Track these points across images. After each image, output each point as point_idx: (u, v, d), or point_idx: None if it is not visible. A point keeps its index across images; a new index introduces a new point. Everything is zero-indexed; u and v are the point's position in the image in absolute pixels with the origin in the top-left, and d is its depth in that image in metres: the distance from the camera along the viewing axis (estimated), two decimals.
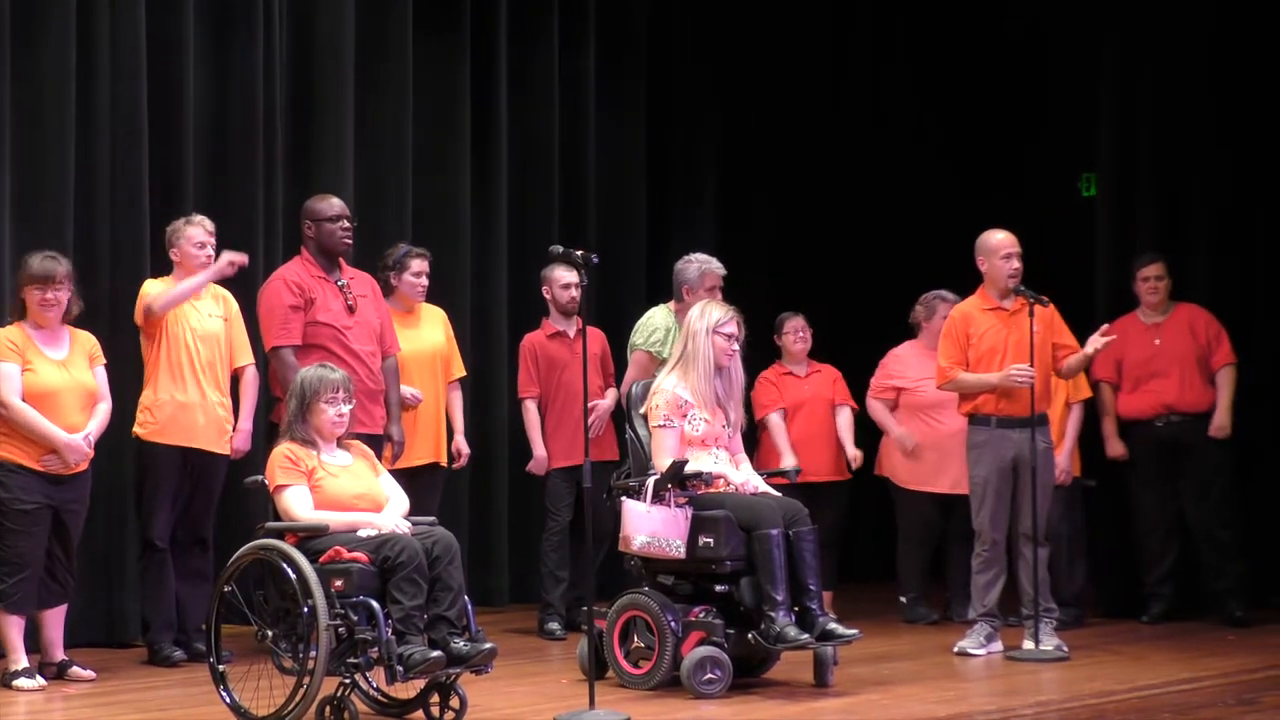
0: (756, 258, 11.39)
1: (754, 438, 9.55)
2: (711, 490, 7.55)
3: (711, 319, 7.71)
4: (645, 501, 7.45)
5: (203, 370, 8.05)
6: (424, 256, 8.92)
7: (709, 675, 7.21)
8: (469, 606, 6.61)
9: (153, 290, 8.05)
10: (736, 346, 7.75)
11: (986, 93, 12.29)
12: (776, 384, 9.68)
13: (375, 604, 6.41)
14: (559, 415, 9.19)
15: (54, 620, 7.69)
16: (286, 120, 9.38)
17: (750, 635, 7.33)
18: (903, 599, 9.89)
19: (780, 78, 11.82)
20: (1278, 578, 10.09)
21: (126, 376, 8.17)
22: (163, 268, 8.29)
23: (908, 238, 11.86)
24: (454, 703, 6.59)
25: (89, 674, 7.67)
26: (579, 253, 7.12)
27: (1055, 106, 11.81)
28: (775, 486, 7.91)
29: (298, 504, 6.65)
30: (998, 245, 8.57)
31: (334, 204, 8.31)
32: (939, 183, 12.18)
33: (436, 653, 6.38)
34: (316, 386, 6.81)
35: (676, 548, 7.38)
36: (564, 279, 9.20)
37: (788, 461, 9.29)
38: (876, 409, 9.90)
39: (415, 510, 7.05)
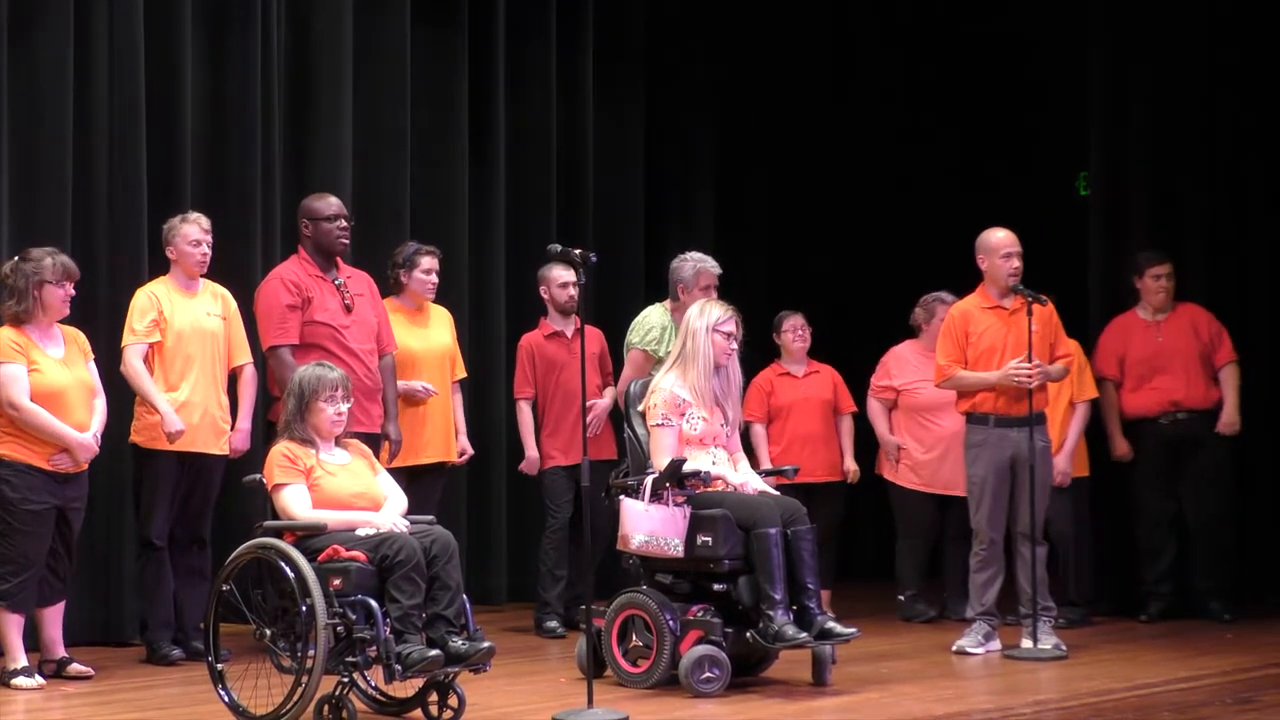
0: (754, 256, 11.40)
1: (748, 439, 9.56)
2: (710, 490, 7.55)
3: (711, 317, 7.71)
4: (644, 500, 7.45)
5: (201, 370, 8.04)
6: (434, 254, 8.92)
7: (707, 674, 7.21)
8: (467, 605, 6.61)
9: (140, 302, 7.99)
10: (735, 345, 7.75)
11: (986, 92, 12.29)
12: (769, 389, 9.65)
13: (373, 603, 6.41)
14: (558, 415, 9.19)
15: (54, 618, 7.68)
16: (284, 117, 9.37)
17: (748, 634, 7.33)
18: (901, 597, 9.89)
19: (779, 75, 11.83)
20: (1273, 577, 10.09)
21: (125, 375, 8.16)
22: (160, 266, 8.28)
23: (906, 237, 11.87)
24: (452, 701, 6.59)
25: (88, 670, 7.67)
26: (577, 251, 7.11)
27: (1054, 105, 11.81)
28: (774, 485, 7.91)
29: (296, 503, 6.65)
30: (998, 244, 8.57)
31: (331, 203, 8.31)
32: (938, 182, 12.19)
33: (435, 651, 6.37)
34: (315, 385, 6.80)
35: (675, 546, 7.38)
36: (562, 278, 9.20)
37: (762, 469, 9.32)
38: (874, 410, 9.91)
39: (418, 508, 7.03)
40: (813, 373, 9.76)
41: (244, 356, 8.25)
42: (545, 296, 9.30)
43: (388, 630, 6.37)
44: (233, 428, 8.18)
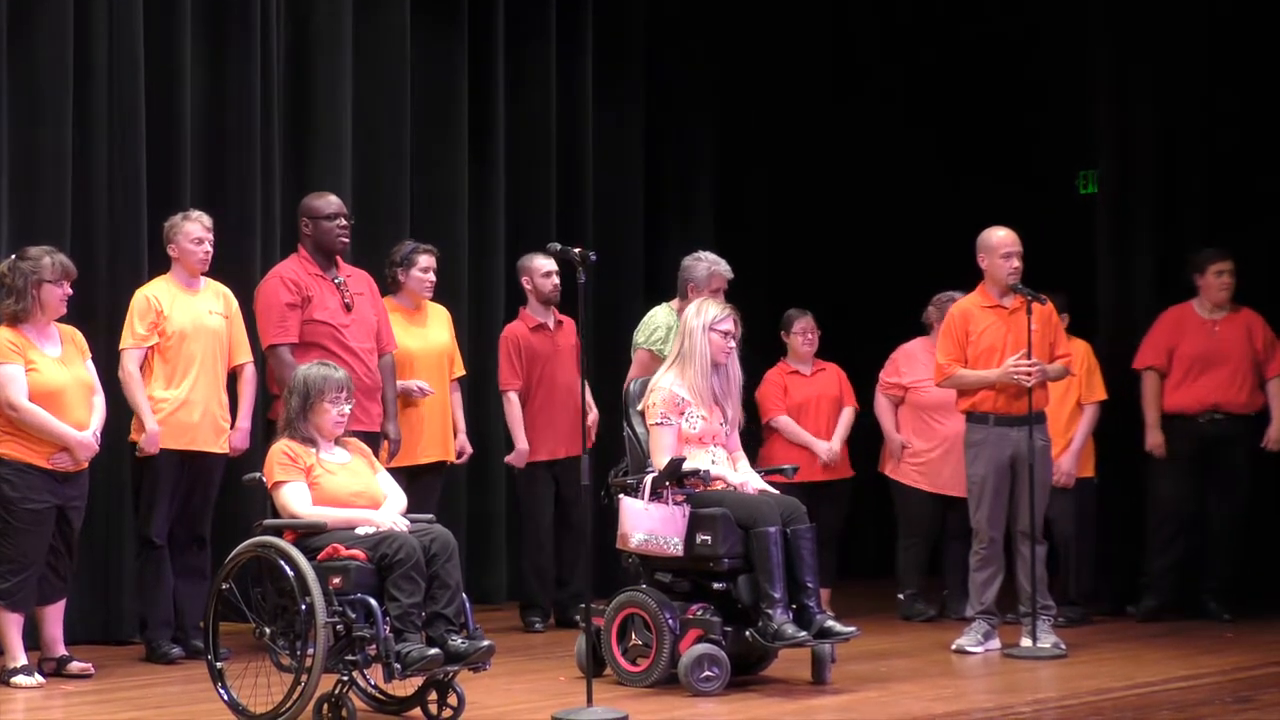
0: (754, 256, 11.37)
1: (757, 439, 9.56)
2: (710, 489, 7.55)
3: (707, 316, 7.71)
4: (643, 499, 7.45)
5: (203, 368, 8.05)
6: (431, 252, 8.92)
7: (707, 673, 7.21)
8: (467, 604, 6.61)
9: (139, 305, 8.00)
10: (733, 344, 7.74)
11: (987, 91, 12.27)
12: (783, 384, 9.69)
13: (373, 601, 6.41)
14: (539, 409, 9.16)
15: (54, 616, 7.68)
16: (284, 117, 9.37)
17: (748, 633, 7.33)
18: (900, 595, 9.89)
19: (779, 75, 11.82)
20: (1273, 577, 10.08)
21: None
22: (160, 265, 8.28)
23: (906, 237, 11.86)
24: (452, 700, 6.59)
25: (88, 668, 7.67)
26: (577, 251, 7.08)
27: (1055, 105, 11.80)
28: (773, 485, 7.91)
29: (296, 501, 6.65)
30: (998, 243, 8.57)
31: (331, 202, 8.31)
32: (938, 182, 12.18)
33: (434, 650, 6.37)
34: (321, 386, 6.79)
35: (674, 545, 7.38)
36: (544, 268, 9.16)
37: (821, 447, 9.41)
38: (881, 405, 9.92)
39: (418, 507, 7.03)
40: (820, 370, 9.80)
41: (244, 355, 8.25)
42: (528, 287, 9.26)
43: (387, 629, 6.37)
44: (232, 426, 8.18)
